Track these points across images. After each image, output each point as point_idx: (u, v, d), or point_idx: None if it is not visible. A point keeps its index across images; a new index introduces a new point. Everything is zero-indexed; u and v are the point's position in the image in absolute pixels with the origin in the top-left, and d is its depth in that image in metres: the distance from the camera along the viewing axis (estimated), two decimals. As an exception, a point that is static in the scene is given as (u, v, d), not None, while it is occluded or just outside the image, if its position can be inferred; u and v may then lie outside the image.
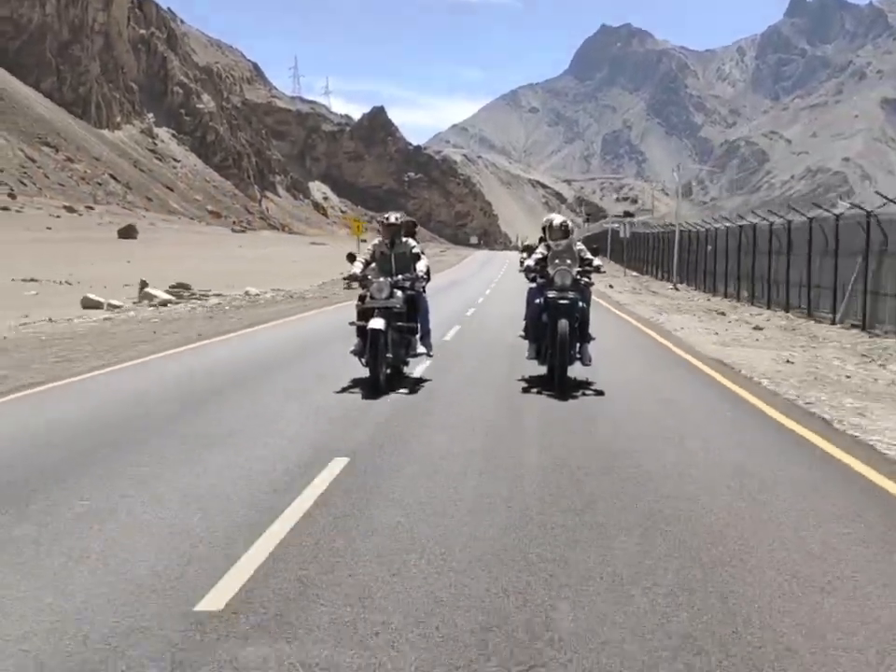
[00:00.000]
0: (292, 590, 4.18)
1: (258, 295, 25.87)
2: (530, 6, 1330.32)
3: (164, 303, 22.41)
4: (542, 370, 10.74)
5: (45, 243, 47.54)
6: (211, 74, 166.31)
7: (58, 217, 74.17)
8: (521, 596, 4.14)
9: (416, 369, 11.46)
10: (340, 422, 8.30)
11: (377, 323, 9.78)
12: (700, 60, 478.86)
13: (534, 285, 10.99)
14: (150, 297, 22.93)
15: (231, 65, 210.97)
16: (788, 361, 13.55)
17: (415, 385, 10.51)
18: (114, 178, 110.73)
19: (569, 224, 10.99)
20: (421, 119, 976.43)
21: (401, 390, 9.99)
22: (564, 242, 10.65)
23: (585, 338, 10.67)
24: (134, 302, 22.47)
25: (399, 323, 10.32)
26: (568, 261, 10.52)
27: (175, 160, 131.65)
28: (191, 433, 7.74)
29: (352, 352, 10.38)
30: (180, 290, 24.82)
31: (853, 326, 19.25)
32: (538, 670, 3.45)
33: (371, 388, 9.69)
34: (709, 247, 36.46)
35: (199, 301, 23.19)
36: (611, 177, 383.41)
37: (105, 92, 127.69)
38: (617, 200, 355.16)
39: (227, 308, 21.86)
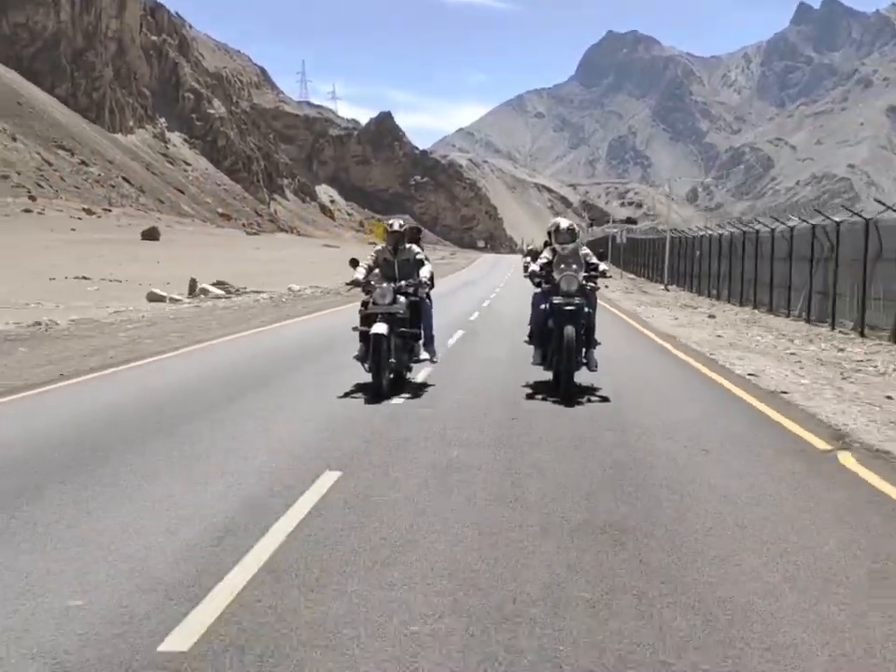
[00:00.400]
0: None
1: (299, 291, 29.53)
2: (536, 11, 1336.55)
3: (218, 297, 25.74)
4: (547, 375, 10.74)
5: (74, 244, 50.45)
6: (221, 79, 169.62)
7: (79, 219, 77.28)
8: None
9: (420, 373, 11.52)
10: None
11: (380, 328, 9.83)
12: (706, 66, 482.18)
13: (539, 290, 10.95)
14: (205, 292, 26.28)
15: (238, 70, 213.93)
16: (718, 336, 17.02)
17: (418, 389, 10.58)
18: (127, 181, 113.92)
19: (576, 228, 11.00)
20: (427, 123, 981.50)
21: (404, 395, 10.02)
22: (570, 246, 10.63)
23: (591, 344, 10.61)
24: (190, 296, 25.69)
25: (402, 329, 10.36)
26: (574, 266, 10.44)
27: (186, 163, 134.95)
28: (331, 361, 12.77)
29: (355, 357, 10.41)
30: (223, 287, 27.95)
31: (803, 319, 22.17)
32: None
33: (374, 394, 9.73)
34: (697, 252, 39.34)
35: (252, 296, 26.67)
36: (617, 182, 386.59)
37: (118, 98, 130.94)
38: (622, 204, 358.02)
39: (283, 300, 25.65)
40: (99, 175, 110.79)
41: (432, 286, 11.38)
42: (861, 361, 14.18)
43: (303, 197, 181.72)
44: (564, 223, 10.86)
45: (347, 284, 11.62)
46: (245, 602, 3.99)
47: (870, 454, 7.42)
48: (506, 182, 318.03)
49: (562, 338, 9.87)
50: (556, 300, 10.13)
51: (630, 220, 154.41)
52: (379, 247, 11.08)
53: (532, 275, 10.94)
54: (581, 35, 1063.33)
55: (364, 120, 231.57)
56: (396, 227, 10.82)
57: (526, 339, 11.56)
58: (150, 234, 63.50)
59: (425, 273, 10.70)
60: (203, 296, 26.07)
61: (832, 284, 20.34)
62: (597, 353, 10.73)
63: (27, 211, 74.21)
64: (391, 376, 10.31)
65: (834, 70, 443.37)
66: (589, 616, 3.94)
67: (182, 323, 18.52)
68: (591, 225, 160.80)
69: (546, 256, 10.80)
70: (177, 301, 24.48)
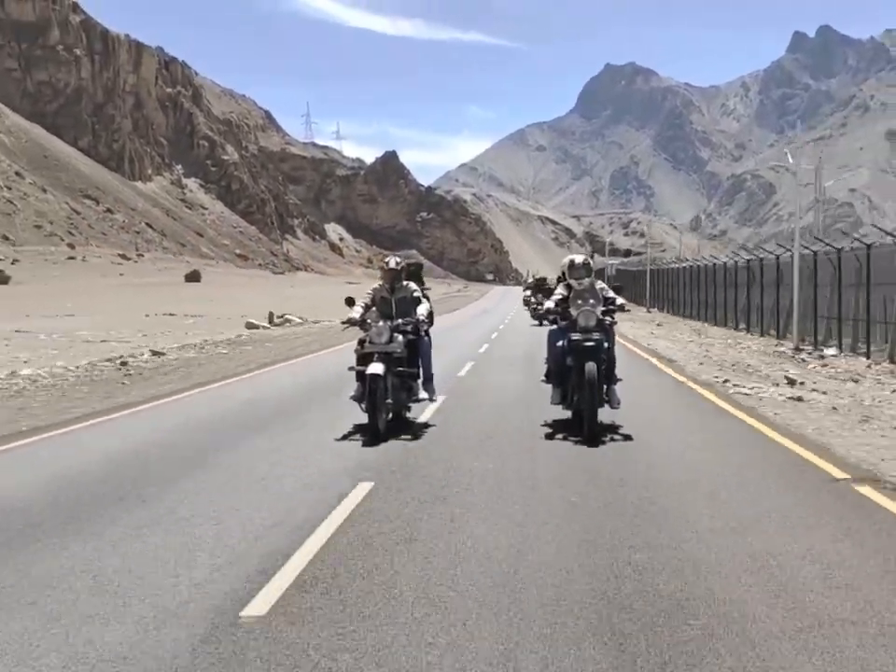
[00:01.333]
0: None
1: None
2: (535, 47, 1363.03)
3: (299, 324, 33.12)
4: (566, 413, 10.48)
5: (129, 287, 57.01)
6: (230, 125, 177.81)
7: (119, 264, 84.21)
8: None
9: (425, 412, 11.30)
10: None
11: (376, 368, 9.68)
12: (704, 96, 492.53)
13: (555, 326, 10.74)
14: (288, 320, 33.54)
15: (244, 114, 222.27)
16: (674, 342, 22.92)
17: (420, 430, 10.25)
18: (150, 227, 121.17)
19: (591, 262, 10.86)
20: (430, 160, 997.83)
21: (404, 436, 9.69)
22: (586, 281, 10.46)
23: (612, 380, 10.43)
24: (273, 325, 32.92)
25: (400, 368, 10.25)
26: (591, 301, 10.25)
27: (203, 207, 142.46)
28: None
29: (352, 397, 10.21)
30: (289, 318, 34.69)
31: (770, 335, 28.14)
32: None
33: (371, 436, 9.50)
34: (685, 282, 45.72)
35: (322, 323, 33.69)
36: (620, 212, 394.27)
37: (136, 147, 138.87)
38: (625, 234, 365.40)
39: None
40: (124, 221, 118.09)
41: (431, 323, 11.26)
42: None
43: (313, 236, 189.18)
44: (578, 258, 10.74)
45: (343, 322, 11.03)
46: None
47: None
48: (510, 215, 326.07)
49: (583, 375, 9.61)
50: (575, 336, 9.90)
51: (629, 252, 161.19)
52: (376, 285, 10.92)
53: (548, 312, 10.79)
54: (579, 68, 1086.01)
55: (368, 159, 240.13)
56: (392, 265, 10.78)
57: (543, 378, 11.12)
58: (193, 276, 70.20)
59: (422, 311, 10.51)
60: (287, 324, 33.15)
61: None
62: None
63: (71, 258, 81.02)
64: (390, 417, 10.21)
65: (832, 96, 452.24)
66: None
67: (310, 337, 26.68)
68: (592, 255, 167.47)
69: (561, 292, 10.58)
70: (268, 328, 31.23)
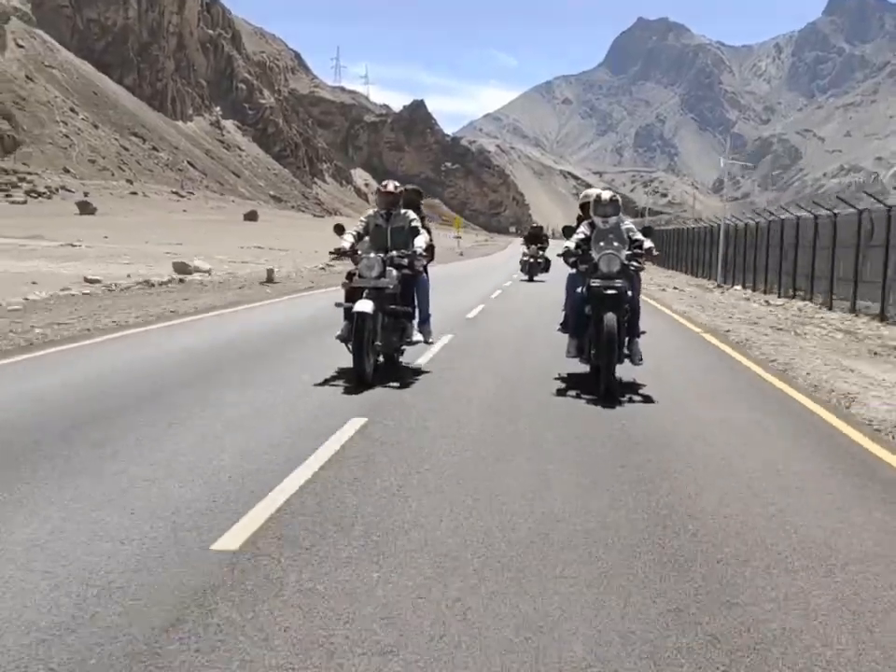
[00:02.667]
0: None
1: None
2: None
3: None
4: (582, 367, 9.63)
5: (203, 223, 65.51)
6: (264, 67, 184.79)
7: (177, 201, 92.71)
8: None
9: (423, 356, 10.68)
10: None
11: (364, 306, 8.69)
12: (736, 56, 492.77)
13: (574, 270, 9.69)
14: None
15: (275, 55, 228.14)
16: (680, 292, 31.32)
17: (413, 376, 9.48)
18: (192, 166, 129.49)
19: (619, 199, 9.58)
20: (455, 107, 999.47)
21: (392, 384, 8.84)
22: (612, 219, 9.32)
23: (635, 332, 9.44)
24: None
25: (392, 306, 9.25)
26: (616, 244, 9.19)
27: (240, 149, 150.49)
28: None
29: (337, 337, 9.29)
30: None
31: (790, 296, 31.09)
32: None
33: (356, 381, 8.66)
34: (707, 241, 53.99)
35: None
36: (643, 170, 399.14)
37: (178, 88, 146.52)
38: (646, 193, 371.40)
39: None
40: (168, 159, 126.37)
41: (431, 258, 10.30)
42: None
43: (340, 181, 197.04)
44: (606, 193, 9.51)
45: (331, 253, 10.02)
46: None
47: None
48: (533, 168, 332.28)
49: (601, 326, 8.76)
50: (595, 282, 8.99)
51: (644, 212, 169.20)
52: (370, 212, 9.87)
53: (567, 255, 9.59)
54: (611, 20, 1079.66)
55: (394, 103, 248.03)
56: (390, 188, 9.73)
57: (559, 327, 10.40)
58: (251, 216, 78.58)
59: (420, 242, 9.52)
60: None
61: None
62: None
63: (133, 193, 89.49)
64: (380, 360, 9.51)
65: (866, 62, 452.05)
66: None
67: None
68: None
69: (583, 231, 9.55)
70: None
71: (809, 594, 4.12)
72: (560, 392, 8.94)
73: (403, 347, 10.07)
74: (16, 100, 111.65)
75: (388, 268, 9.24)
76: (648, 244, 9.42)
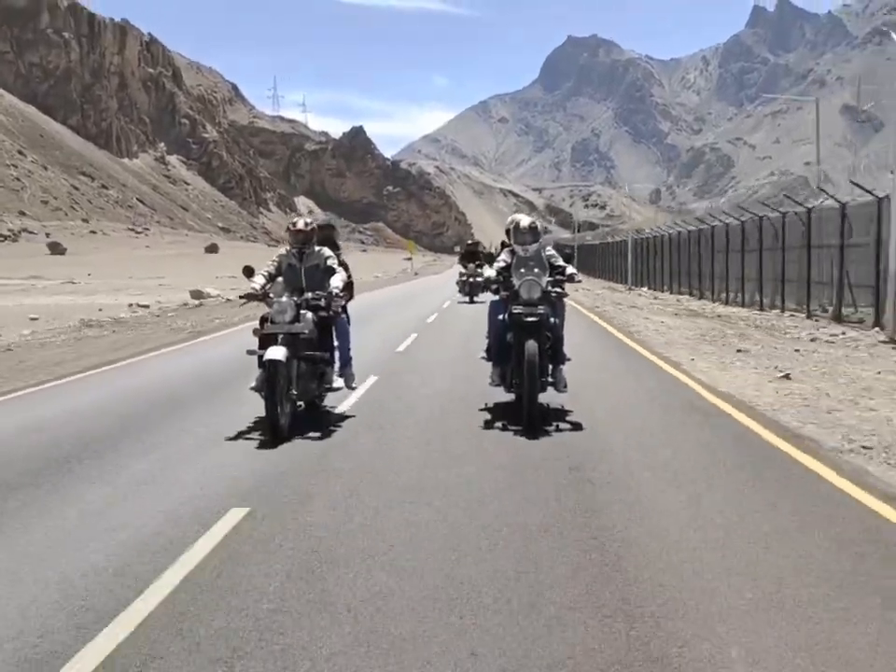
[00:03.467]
0: None
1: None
2: (497, 17, 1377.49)
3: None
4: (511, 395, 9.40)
5: (168, 258, 70.91)
6: (205, 102, 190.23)
7: (136, 237, 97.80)
8: None
9: (346, 401, 9.87)
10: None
11: (276, 353, 8.17)
12: (665, 69, 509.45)
13: (497, 297, 9.47)
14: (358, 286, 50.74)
15: (212, 87, 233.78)
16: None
17: (336, 423, 8.87)
18: (141, 202, 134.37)
19: (539, 225, 9.63)
20: (393, 130, 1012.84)
21: (311, 434, 8.24)
22: (533, 247, 9.29)
23: (559, 360, 9.25)
24: None
25: (309, 352, 8.70)
26: (536, 270, 9.15)
27: (186, 183, 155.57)
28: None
29: (252, 388, 8.59)
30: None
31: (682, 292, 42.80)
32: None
33: (270, 433, 8.01)
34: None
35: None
36: (581, 184, 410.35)
37: (122, 126, 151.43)
38: (586, 206, 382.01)
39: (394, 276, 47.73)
40: (118, 197, 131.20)
41: (351, 296, 9.94)
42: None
43: (285, 209, 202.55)
44: (525, 220, 9.44)
45: (241, 298, 9.33)
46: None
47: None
48: (473, 188, 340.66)
49: (523, 354, 8.59)
50: (516, 309, 8.85)
51: (592, 226, 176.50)
52: (282, 251, 9.30)
53: (487, 282, 9.56)
54: (542, 39, 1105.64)
55: (333, 131, 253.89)
56: (300, 225, 9.15)
57: (483, 355, 9.91)
58: (212, 248, 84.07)
59: (337, 282, 8.92)
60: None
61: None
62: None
63: (93, 232, 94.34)
64: (300, 407, 8.95)
65: (790, 70, 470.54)
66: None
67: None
68: (546, 230, 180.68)
69: (504, 258, 9.42)
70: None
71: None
72: (487, 424, 8.68)
73: (323, 394, 9.49)
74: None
75: (303, 311, 8.72)
76: (570, 269, 9.49)
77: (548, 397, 9.23)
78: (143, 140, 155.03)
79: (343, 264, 9.50)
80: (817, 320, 20.64)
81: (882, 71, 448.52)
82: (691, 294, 33.25)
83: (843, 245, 19.53)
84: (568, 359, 9.49)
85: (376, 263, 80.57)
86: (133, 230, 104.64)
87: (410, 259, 77.00)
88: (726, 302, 28.09)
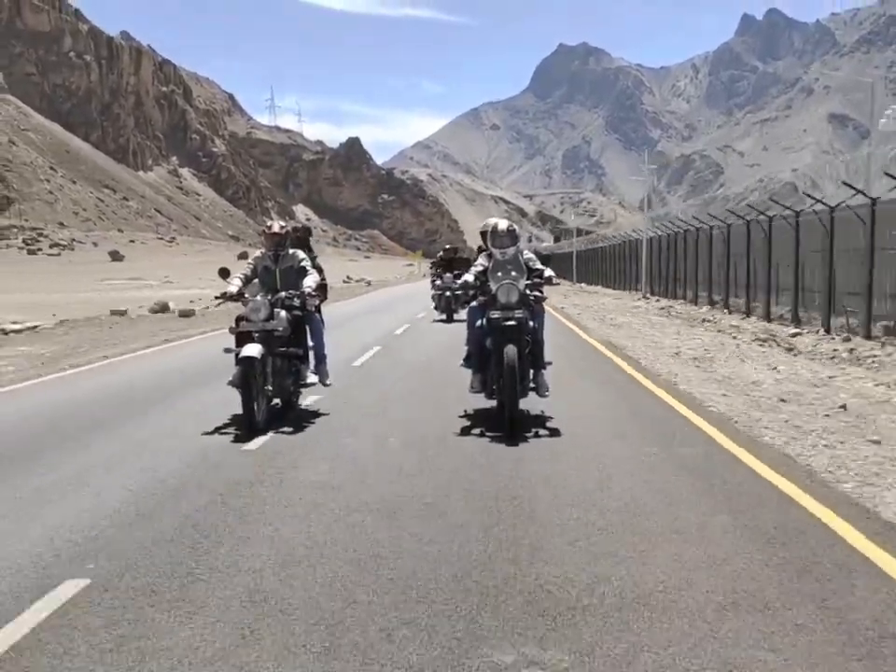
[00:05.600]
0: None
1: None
2: (489, 25, 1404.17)
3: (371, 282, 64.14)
4: (491, 402, 9.50)
5: (212, 263, 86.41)
6: (210, 115, 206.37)
7: (169, 245, 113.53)
8: None
9: (322, 399, 10.50)
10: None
11: (251, 350, 8.85)
12: (655, 77, 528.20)
13: (475, 303, 9.61)
14: (384, 282, 64.20)
15: (210, 98, 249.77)
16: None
17: (310, 418, 9.53)
18: (158, 212, 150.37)
19: (516, 229, 9.68)
20: (385, 136, 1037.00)
21: (284, 429, 8.87)
22: (510, 250, 9.36)
23: (539, 364, 9.45)
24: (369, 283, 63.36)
25: (283, 349, 9.38)
26: (514, 273, 9.25)
27: (197, 194, 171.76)
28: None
29: (229, 383, 9.11)
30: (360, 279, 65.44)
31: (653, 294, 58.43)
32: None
33: (246, 427, 8.67)
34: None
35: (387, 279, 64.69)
36: (571, 191, 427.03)
37: (138, 141, 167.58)
38: (576, 214, 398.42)
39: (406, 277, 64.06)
40: (138, 208, 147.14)
41: (324, 297, 10.81)
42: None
43: (284, 217, 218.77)
44: (502, 224, 9.54)
45: (217, 298, 9.89)
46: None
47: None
48: (465, 195, 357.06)
49: (502, 360, 8.76)
50: (494, 314, 9.00)
51: (581, 232, 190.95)
52: (258, 254, 9.99)
53: (465, 287, 9.71)
54: (533, 47, 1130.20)
55: (326, 137, 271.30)
56: (275, 228, 9.91)
57: (462, 362, 10.14)
58: (243, 255, 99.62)
59: (309, 282, 9.59)
60: (362, 281, 64.40)
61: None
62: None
63: (132, 241, 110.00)
64: (276, 404, 9.75)
65: (778, 79, 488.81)
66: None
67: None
68: (557, 239, 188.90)
69: (482, 263, 9.51)
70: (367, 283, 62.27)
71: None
72: (464, 431, 8.76)
73: (300, 390, 10.11)
74: (4, 163, 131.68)
75: (276, 310, 9.30)
76: (548, 272, 9.53)
77: (528, 403, 9.23)
78: (157, 154, 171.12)
79: (317, 267, 10.16)
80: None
81: (868, 79, 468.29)
82: (667, 294, 38.15)
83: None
84: (549, 363, 9.66)
85: (385, 268, 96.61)
86: (161, 239, 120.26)
87: (412, 265, 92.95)
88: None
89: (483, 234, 9.71)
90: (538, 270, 9.55)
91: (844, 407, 10.01)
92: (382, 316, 27.93)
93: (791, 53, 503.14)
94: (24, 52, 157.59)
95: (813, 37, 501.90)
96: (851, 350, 15.88)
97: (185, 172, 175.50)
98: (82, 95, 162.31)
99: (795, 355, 16.29)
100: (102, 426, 9.39)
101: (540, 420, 9.25)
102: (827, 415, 9.58)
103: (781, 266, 23.65)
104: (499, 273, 9.22)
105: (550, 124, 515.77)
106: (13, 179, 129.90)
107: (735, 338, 19.41)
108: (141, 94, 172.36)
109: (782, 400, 10.53)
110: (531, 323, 9.16)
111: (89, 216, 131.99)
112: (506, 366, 8.68)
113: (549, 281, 9.50)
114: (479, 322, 9.29)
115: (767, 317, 24.00)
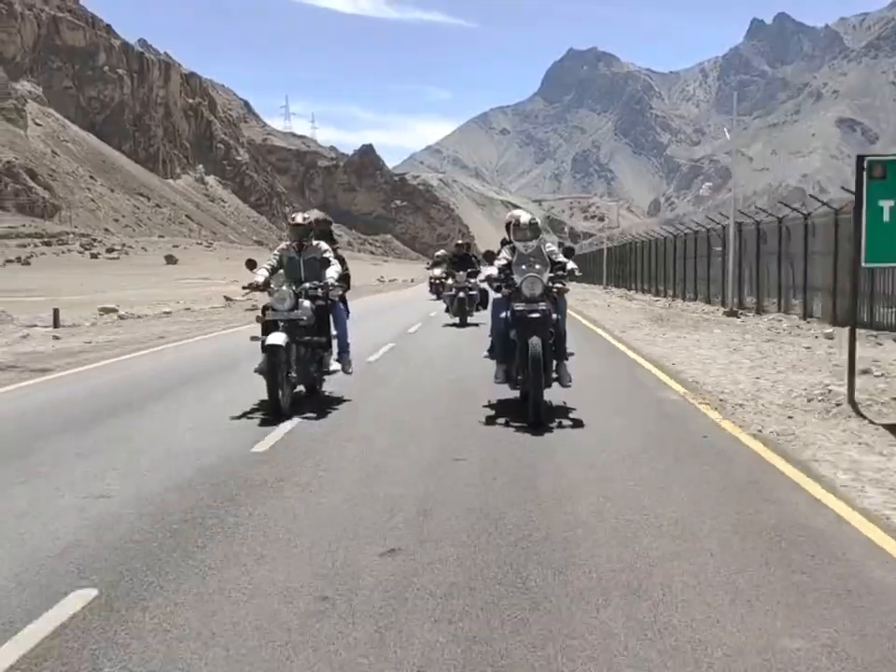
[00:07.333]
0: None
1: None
2: (498, 29, 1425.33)
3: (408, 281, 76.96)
4: (514, 392, 9.91)
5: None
6: (230, 124, 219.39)
7: (209, 250, 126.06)
8: None
9: (345, 385, 11.01)
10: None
11: (276, 338, 9.35)
12: (665, 81, 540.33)
13: (499, 295, 9.93)
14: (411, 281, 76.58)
15: (226, 105, 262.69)
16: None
17: (335, 404, 10.09)
18: (189, 218, 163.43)
19: (539, 222, 10.06)
20: (396, 140, 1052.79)
21: (309, 414, 9.35)
22: (533, 243, 9.68)
23: (562, 355, 9.79)
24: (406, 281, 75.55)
25: (307, 337, 9.85)
26: (538, 266, 9.52)
27: (223, 201, 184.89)
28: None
29: (256, 370, 9.72)
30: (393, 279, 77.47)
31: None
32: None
33: (272, 412, 9.19)
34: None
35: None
36: (580, 196, 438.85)
37: (167, 150, 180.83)
38: (585, 218, 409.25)
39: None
40: (170, 214, 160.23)
41: (347, 287, 11.18)
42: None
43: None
44: (525, 216, 9.88)
45: (244, 288, 10.55)
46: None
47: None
48: (475, 200, 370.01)
49: (527, 351, 9.05)
50: (518, 306, 9.27)
51: (587, 235, 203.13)
52: (283, 245, 10.53)
53: (490, 280, 10.06)
54: (543, 52, 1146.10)
55: (337, 142, 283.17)
56: (299, 219, 10.39)
57: (486, 353, 10.57)
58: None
59: (332, 273, 10.01)
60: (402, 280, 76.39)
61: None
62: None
63: (175, 246, 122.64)
64: (301, 390, 10.29)
65: (787, 83, 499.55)
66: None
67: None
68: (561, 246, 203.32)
69: (505, 256, 9.83)
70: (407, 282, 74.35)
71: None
72: (489, 420, 9.16)
73: (323, 378, 10.63)
74: (49, 172, 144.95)
75: (301, 300, 9.77)
76: (570, 265, 9.84)
77: (550, 393, 9.44)
78: (185, 163, 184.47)
79: (339, 258, 10.62)
80: None
81: (876, 83, 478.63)
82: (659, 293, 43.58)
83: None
84: (571, 354, 10.03)
85: (404, 271, 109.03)
86: (200, 244, 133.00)
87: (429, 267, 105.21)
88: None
89: (508, 226, 9.96)
90: (560, 262, 9.86)
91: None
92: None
93: (799, 58, 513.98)
94: (62, 67, 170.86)
95: (822, 42, 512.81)
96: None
97: (210, 179, 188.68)
98: (115, 107, 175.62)
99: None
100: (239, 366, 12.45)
101: (563, 410, 9.61)
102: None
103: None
104: (523, 266, 9.50)
105: (559, 128, 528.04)
106: (58, 188, 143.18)
107: None
108: (170, 105, 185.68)
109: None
110: (554, 315, 9.41)
111: (127, 222, 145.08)
112: (531, 358, 8.95)
113: (571, 274, 9.85)
114: (503, 314, 9.58)
115: None
